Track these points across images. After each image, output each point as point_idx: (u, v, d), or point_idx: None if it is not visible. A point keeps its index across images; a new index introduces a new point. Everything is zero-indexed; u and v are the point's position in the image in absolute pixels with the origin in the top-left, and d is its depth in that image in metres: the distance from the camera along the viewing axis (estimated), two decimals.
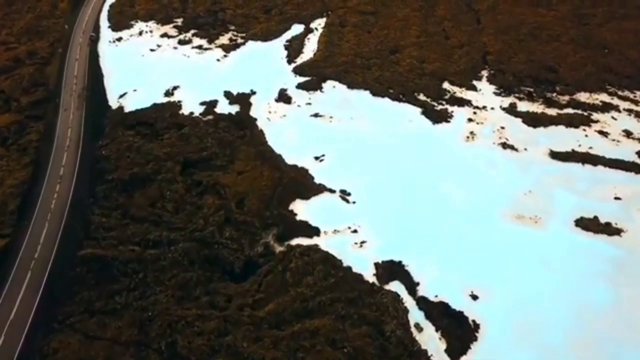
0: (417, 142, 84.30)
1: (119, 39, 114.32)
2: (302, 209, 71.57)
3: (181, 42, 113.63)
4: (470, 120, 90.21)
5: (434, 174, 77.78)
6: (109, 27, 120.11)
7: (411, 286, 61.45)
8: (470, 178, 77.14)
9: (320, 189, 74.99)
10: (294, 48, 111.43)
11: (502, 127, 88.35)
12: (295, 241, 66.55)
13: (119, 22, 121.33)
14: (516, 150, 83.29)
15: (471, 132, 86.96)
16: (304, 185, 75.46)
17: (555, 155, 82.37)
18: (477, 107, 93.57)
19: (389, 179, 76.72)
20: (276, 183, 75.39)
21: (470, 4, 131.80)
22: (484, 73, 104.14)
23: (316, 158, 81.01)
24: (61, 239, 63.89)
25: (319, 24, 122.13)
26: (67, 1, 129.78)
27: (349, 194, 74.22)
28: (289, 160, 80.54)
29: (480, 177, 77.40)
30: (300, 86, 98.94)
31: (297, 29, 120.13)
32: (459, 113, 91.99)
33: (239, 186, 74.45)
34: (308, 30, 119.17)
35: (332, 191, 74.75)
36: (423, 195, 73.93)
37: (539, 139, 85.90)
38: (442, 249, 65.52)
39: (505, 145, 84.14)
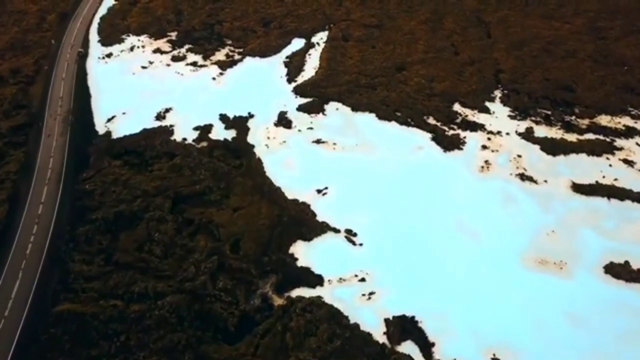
0: (428, 173, 77.84)
1: (109, 55, 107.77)
2: (303, 253, 65.18)
3: (175, 59, 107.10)
4: (484, 147, 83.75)
5: (448, 210, 71.36)
6: (99, 41, 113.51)
7: (426, 347, 55.14)
8: (487, 216, 70.72)
9: (324, 228, 68.59)
10: (294, 65, 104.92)
11: (519, 156, 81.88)
12: (296, 292, 60.24)
13: (110, 36, 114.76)
14: (535, 182, 76.81)
15: (486, 162, 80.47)
16: (306, 224, 69.07)
17: (578, 188, 75.92)
18: (491, 132, 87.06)
19: (398, 216, 70.31)
20: (275, 222, 68.97)
21: (479, 16, 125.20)
22: (497, 93, 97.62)
23: (319, 191, 74.63)
24: (36, 292, 57.52)
25: (320, 38, 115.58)
26: (55, 14, 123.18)
27: (355, 235, 67.82)
28: (289, 193, 74.18)
29: (498, 215, 70.97)
30: (301, 108, 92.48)
31: (297, 43, 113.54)
32: (472, 139, 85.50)
33: (234, 225, 68.03)
34: (309, 46, 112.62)
35: (336, 231, 68.35)
36: (436, 236, 67.55)
37: (559, 169, 79.43)
38: (459, 301, 59.15)
39: (523, 177, 77.66)
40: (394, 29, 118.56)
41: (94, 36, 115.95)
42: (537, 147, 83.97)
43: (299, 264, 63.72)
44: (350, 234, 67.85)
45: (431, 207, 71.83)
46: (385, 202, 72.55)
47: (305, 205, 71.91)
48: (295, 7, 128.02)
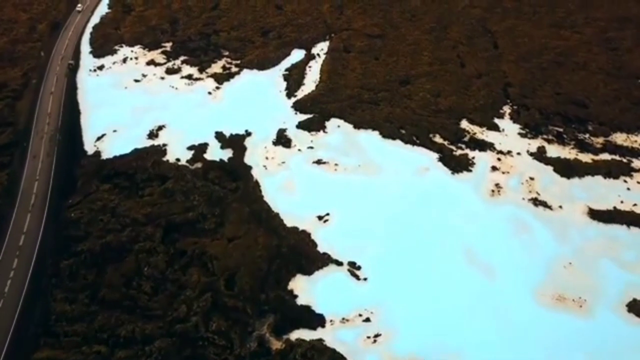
0: (436, 197, 73.44)
1: (101, 67, 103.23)
2: (303, 289, 60.73)
3: (169, 71, 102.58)
4: (494, 168, 79.36)
5: (457, 240, 66.98)
6: (91, 52, 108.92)
7: None
8: (499, 246, 66.36)
9: (325, 260, 64.17)
10: (293, 79, 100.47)
11: (532, 178, 77.52)
12: (296, 334, 55.85)
13: (102, 47, 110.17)
14: (550, 208, 72.45)
15: (496, 185, 76.08)
16: (306, 255, 64.65)
17: (595, 214, 71.57)
18: (501, 152, 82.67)
19: (404, 247, 65.93)
20: (273, 253, 64.52)
21: (485, 25, 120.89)
22: (506, 109, 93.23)
23: (320, 218, 70.22)
24: (14, 336, 52.96)
25: (321, 49, 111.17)
26: (46, 23, 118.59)
27: (358, 268, 63.42)
28: (289, 220, 69.75)
29: (510, 245, 66.61)
30: (301, 126, 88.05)
31: (297, 55, 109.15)
32: (481, 159, 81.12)
33: (229, 258, 63.55)
34: (309, 57, 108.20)
35: (339, 263, 63.93)
36: (445, 269, 63.19)
37: (574, 193, 75.08)
38: (472, 347, 54.63)
39: (537, 202, 73.28)
40: (397, 38, 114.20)
41: (85, 47, 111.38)
42: (550, 168, 79.61)
43: (299, 301, 59.28)
44: (353, 267, 63.45)
45: (439, 236, 67.44)
46: (390, 230, 68.15)
47: (305, 233, 67.47)
48: (294, 15, 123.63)
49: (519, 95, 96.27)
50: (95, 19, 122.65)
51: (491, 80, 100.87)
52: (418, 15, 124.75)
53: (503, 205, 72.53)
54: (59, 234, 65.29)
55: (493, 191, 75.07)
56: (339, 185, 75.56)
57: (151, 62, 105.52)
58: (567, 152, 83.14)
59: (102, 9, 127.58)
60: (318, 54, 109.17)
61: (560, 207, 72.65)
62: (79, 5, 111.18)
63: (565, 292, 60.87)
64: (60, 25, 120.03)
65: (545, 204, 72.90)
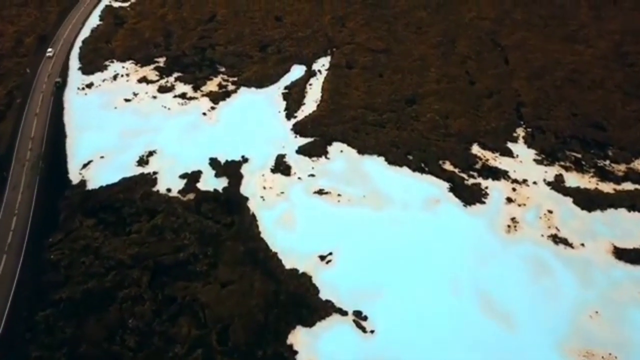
0: (448, 235, 67.80)
1: (89, 85, 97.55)
2: (304, 343, 55.13)
3: (162, 89, 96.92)
4: (509, 200, 73.74)
5: (472, 284, 61.44)
6: (80, 68, 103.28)
7: None
8: (518, 291, 60.87)
9: (328, 309, 58.56)
10: (293, 98, 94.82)
11: (550, 211, 71.89)
12: None
13: (92, 63, 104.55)
14: (571, 246, 66.81)
15: (512, 219, 70.44)
16: (307, 304, 59.00)
17: (620, 254, 66.02)
18: (516, 182, 77.04)
19: (414, 292, 60.36)
20: (270, 301, 58.92)
21: (494, 39, 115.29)
22: (520, 132, 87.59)
23: (322, 258, 64.64)
24: None
25: (322, 64, 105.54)
26: (34, 36, 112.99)
27: (365, 318, 57.80)
28: (288, 260, 64.24)
29: (530, 290, 61.11)
30: (301, 151, 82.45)
31: (297, 71, 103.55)
32: (495, 190, 75.52)
33: (222, 306, 57.97)
34: (310, 74, 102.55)
35: (343, 313, 58.30)
36: (460, 319, 57.72)
37: (597, 229, 69.51)
38: None
39: (557, 239, 67.65)
40: (402, 54, 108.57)
41: (74, 62, 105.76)
42: (569, 200, 73.99)
43: (299, 358, 53.54)
44: (359, 317, 57.81)
45: (452, 280, 61.85)
46: (399, 274, 62.51)
47: (306, 277, 61.86)
48: (294, 28, 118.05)
49: (533, 117, 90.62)
50: (85, 32, 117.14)
51: (502, 99, 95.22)
52: (424, 27, 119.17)
53: (520, 243, 66.88)
54: (36, 279, 59.55)
55: (509, 227, 69.41)
56: (343, 219, 69.91)
57: (143, 79, 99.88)
58: (586, 181, 77.48)
59: (93, 20, 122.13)
60: (319, 70, 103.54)
61: (583, 244, 67.02)
62: (50, 49, 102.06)
63: (593, 347, 55.28)
64: (48, 38, 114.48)
65: (566, 242, 67.24)
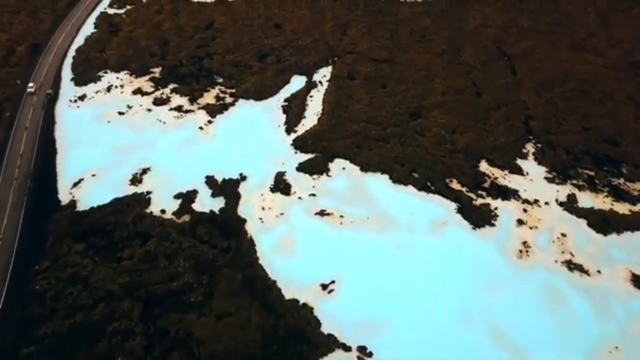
0: (456, 260, 64.38)
1: (82, 97, 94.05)
2: None
3: (157, 102, 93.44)
4: (520, 222, 70.26)
5: (483, 315, 58.02)
6: (72, 79, 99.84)
7: None
8: (531, 323, 57.56)
9: (330, 345, 55.08)
10: (293, 111, 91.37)
11: (563, 235, 68.42)
12: None
13: (85, 73, 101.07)
14: (587, 273, 63.33)
15: (524, 244, 66.96)
16: (308, 339, 55.45)
17: (639, 281, 62.35)
18: (526, 202, 73.56)
19: (423, 325, 57.00)
20: (269, 336, 55.46)
21: (501, 48, 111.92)
22: (529, 147, 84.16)
23: (324, 287, 61.15)
24: None
25: (323, 75, 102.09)
26: (26, 45, 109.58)
27: (370, 354, 54.39)
28: (288, 289, 60.79)
29: (544, 322, 57.69)
30: (301, 168, 79.02)
31: (297, 82, 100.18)
32: (505, 211, 72.06)
33: (217, 341, 54.50)
34: (310, 85, 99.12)
35: (346, 348, 54.87)
36: (471, 354, 54.38)
37: (613, 254, 66.09)
38: None
39: (571, 266, 64.18)
40: (406, 63, 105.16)
41: (67, 72, 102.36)
42: (583, 222, 70.54)
43: None
44: (364, 353, 54.38)
45: (461, 310, 58.47)
46: (406, 303, 59.07)
47: (307, 309, 58.35)
48: (294, 36, 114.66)
49: (543, 131, 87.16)
50: (79, 40, 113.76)
51: (510, 112, 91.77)
52: (428, 35, 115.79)
53: (533, 270, 63.39)
54: (20, 312, 56.04)
55: (521, 251, 65.91)
56: (345, 243, 66.42)
57: (138, 91, 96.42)
58: (600, 201, 74.01)
59: (88, 28, 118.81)
60: (320, 82, 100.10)
61: (599, 271, 63.55)
62: (31, 84, 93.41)
63: None
64: (41, 47, 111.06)
65: (581, 268, 63.75)
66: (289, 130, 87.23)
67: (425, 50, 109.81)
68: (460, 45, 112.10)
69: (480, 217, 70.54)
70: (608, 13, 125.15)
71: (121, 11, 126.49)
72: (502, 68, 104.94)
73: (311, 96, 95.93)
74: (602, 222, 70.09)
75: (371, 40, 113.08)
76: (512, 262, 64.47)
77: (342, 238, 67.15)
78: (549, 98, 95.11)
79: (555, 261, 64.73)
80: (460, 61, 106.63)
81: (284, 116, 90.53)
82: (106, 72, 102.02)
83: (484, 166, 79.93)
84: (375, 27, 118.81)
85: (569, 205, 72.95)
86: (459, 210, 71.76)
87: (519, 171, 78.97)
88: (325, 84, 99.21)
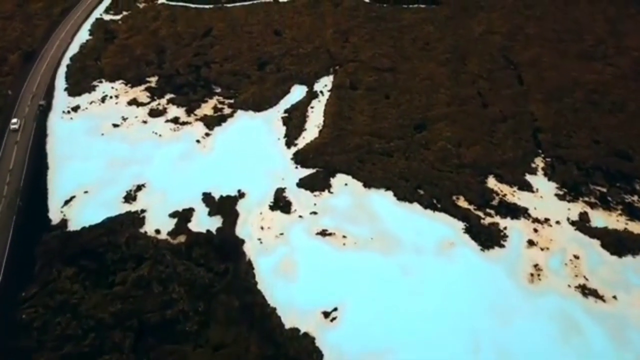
0: (464, 285, 61.51)
1: (75, 109, 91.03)
2: None
3: (153, 113, 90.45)
4: (531, 243, 67.31)
5: (494, 345, 55.15)
6: (66, 89, 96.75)
7: None
8: (547, 353, 54.74)
9: None
10: (294, 123, 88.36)
11: (576, 257, 65.46)
12: None
13: (79, 83, 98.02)
14: (602, 299, 60.39)
15: (535, 266, 63.99)
16: None
17: None
18: (537, 221, 70.62)
19: (430, 355, 53.94)
20: None
21: (507, 56, 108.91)
22: (539, 162, 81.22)
23: (326, 315, 58.18)
24: None
25: (324, 85, 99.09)
26: (19, 53, 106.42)
27: None
28: (288, 317, 57.89)
29: (559, 353, 54.53)
30: (302, 184, 76.08)
31: (297, 92, 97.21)
32: (515, 230, 69.10)
33: None
34: (311, 95, 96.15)
35: None
36: None
37: (629, 278, 63.23)
38: None
39: (585, 291, 61.25)
40: (410, 72, 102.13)
41: (60, 82, 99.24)
42: (596, 243, 67.58)
43: None
44: None
45: (472, 340, 55.57)
46: (412, 331, 56.21)
47: (308, 339, 55.42)
48: (295, 43, 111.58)
49: (552, 144, 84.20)
50: (74, 48, 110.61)
51: (518, 124, 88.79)
52: (432, 43, 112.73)
53: (546, 296, 60.46)
54: (6, 344, 53.02)
55: (532, 275, 62.95)
56: (348, 266, 63.45)
57: (133, 102, 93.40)
58: (614, 220, 71.04)
59: (83, 35, 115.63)
60: (321, 92, 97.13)
61: (615, 297, 60.60)
62: (14, 120, 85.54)
63: None
64: (35, 55, 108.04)
65: (596, 294, 60.80)
66: (289, 143, 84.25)
67: (429, 58, 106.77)
68: (465, 53, 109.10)
69: (489, 238, 67.59)
70: (617, 19, 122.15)
71: (117, 17, 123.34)
72: (508, 77, 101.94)
73: (312, 107, 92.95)
74: (617, 243, 67.12)
75: (373, 47, 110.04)
76: (523, 287, 61.50)
77: (345, 260, 64.18)
78: (557, 109, 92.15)
79: (569, 286, 61.79)
80: (465, 70, 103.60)
81: (284, 128, 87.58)
82: (101, 82, 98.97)
83: (491, 182, 76.97)
84: (378, 34, 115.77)
85: (581, 224, 70.00)
86: (467, 230, 68.81)
87: (528, 188, 75.98)
88: (327, 94, 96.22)
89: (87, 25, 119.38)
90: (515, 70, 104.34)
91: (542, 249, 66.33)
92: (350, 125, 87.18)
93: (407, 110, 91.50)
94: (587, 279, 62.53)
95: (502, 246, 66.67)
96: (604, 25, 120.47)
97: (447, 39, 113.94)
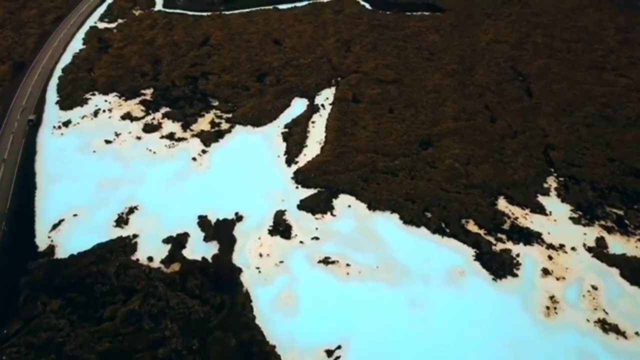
0: (476, 319, 57.71)
1: (67, 124, 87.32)
2: None
3: (147, 129, 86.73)
4: (545, 272, 63.47)
5: None
6: (57, 102, 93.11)
7: None
8: None
9: None
10: (294, 139, 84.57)
11: (594, 287, 61.64)
12: None
13: (71, 96, 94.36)
14: (624, 336, 56.63)
15: (551, 298, 60.20)
16: None
17: None
18: (551, 247, 66.79)
19: None
20: None
21: (515, 66, 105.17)
22: (551, 182, 77.34)
23: (329, 353, 54.42)
24: None
25: (326, 98, 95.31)
26: (10, 63, 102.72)
27: None
28: (288, 356, 54.59)
29: None
30: (303, 206, 72.31)
31: (298, 105, 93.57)
32: (528, 258, 65.28)
33: None
34: (313, 109, 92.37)
35: None
36: None
37: None
38: None
39: (605, 326, 57.43)
40: (414, 84, 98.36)
41: (51, 95, 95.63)
42: (615, 271, 63.76)
43: None
44: None
45: None
46: None
47: None
48: (295, 53, 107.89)
49: (565, 163, 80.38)
50: (67, 58, 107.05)
51: (529, 140, 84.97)
52: (437, 53, 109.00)
53: (563, 332, 56.63)
54: None
55: (548, 308, 59.11)
56: (353, 298, 59.66)
57: (127, 116, 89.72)
58: (633, 246, 67.24)
59: (76, 44, 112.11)
60: (322, 105, 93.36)
61: (637, 333, 56.76)
62: None
63: None
64: (26, 65, 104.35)
65: (617, 330, 56.98)
66: (290, 160, 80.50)
67: (435, 69, 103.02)
68: (472, 63, 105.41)
69: (501, 266, 63.77)
70: (627, 28, 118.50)
71: (112, 25, 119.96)
72: (517, 89, 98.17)
73: (313, 122, 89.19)
74: (637, 272, 63.33)
75: (377, 57, 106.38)
76: (538, 321, 57.68)
77: (349, 292, 60.38)
78: (569, 124, 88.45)
79: (587, 320, 57.97)
80: (472, 81, 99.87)
81: (284, 144, 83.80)
82: (94, 94, 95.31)
83: (502, 204, 73.15)
84: (381, 43, 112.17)
85: (598, 251, 66.19)
86: (478, 257, 64.99)
87: (541, 210, 72.16)
88: (328, 108, 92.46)
89: (81, 34, 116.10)
90: (523, 81, 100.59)
91: (557, 279, 62.53)
92: (353, 142, 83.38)
93: (412, 125, 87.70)
94: (606, 313, 58.70)
95: (515, 275, 62.83)
96: (614, 34, 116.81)
97: (453, 49, 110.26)
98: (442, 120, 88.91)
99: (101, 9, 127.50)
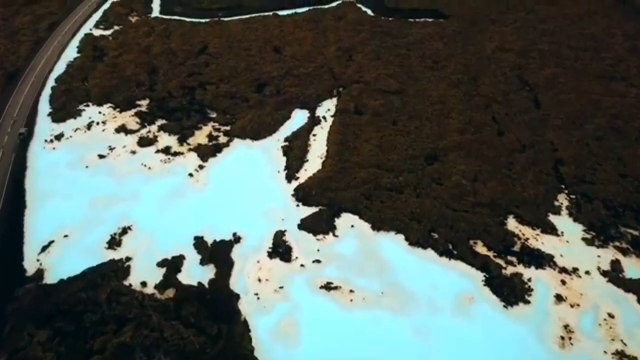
0: (488, 351, 54.52)
1: (59, 137, 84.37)
2: None
3: (142, 142, 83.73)
4: (559, 298, 60.41)
5: None
6: (50, 114, 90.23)
7: None
8: None
9: None
10: (295, 154, 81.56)
11: (611, 315, 58.59)
12: None
13: (64, 107, 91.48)
14: None
15: (566, 327, 57.17)
16: None
17: None
18: (564, 271, 63.78)
19: None
20: None
21: (521, 76, 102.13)
22: (562, 200, 74.28)
23: None
24: None
25: (327, 109, 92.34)
26: (1, 73, 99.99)
27: None
28: None
29: None
30: (304, 225, 69.32)
31: (299, 117, 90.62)
32: (540, 283, 62.25)
33: None
34: (313, 121, 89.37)
35: None
36: None
37: None
38: None
39: (624, 359, 54.16)
40: (418, 95, 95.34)
41: (44, 106, 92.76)
42: (632, 298, 60.74)
43: None
44: None
45: None
46: None
47: None
48: (295, 62, 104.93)
49: (576, 179, 77.36)
50: (60, 66, 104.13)
51: (538, 155, 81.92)
52: (441, 61, 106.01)
53: None
54: None
55: (563, 338, 56.07)
56: (357, 328, 56.66)
57: (121, 128, 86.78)
58: None
59: (71, 52, 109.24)
60: (324, 117, 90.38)
61: None
62: None
63: None
64: (18, 74, 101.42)
65: None
66: (290, 176, 77.52)
67: (439, 78, 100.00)
68: (477, 72, 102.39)
69: (512, 292, 60.75)
70: (636, 35, 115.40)
71: (108, 32, 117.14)
72: (524, 100, 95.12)
73: (314, 135, 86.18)
74: None
75: (379, 67, 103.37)
76: (553, 353, 54.66)
77: (353, 321, 57.35)
78: (579, 137, 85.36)
79: (605, 352, 54.94)
80: (478, 92, 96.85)
81: (284, 159, 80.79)
82: (87, 106, 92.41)
83: (512, 223, 70.11)
84: (383, 51, 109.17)
85: (614, 275, 63.14)
86: (487, 282, 61.96)
87: (552, 230, 69.09)
88: (330, 120, 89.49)
89: (76, 42, 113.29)
90: (531, 92, 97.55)
91: (572, 306, 59.48)
92: (356, 156, 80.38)
93: (416, 138, 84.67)
94: (624, 344, 55.65)
95: (527, 302, 59.81)
96: (622, 41, 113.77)
97: (457, 57, 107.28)
98: (448, 133, 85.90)
99: (97, 15, 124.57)
